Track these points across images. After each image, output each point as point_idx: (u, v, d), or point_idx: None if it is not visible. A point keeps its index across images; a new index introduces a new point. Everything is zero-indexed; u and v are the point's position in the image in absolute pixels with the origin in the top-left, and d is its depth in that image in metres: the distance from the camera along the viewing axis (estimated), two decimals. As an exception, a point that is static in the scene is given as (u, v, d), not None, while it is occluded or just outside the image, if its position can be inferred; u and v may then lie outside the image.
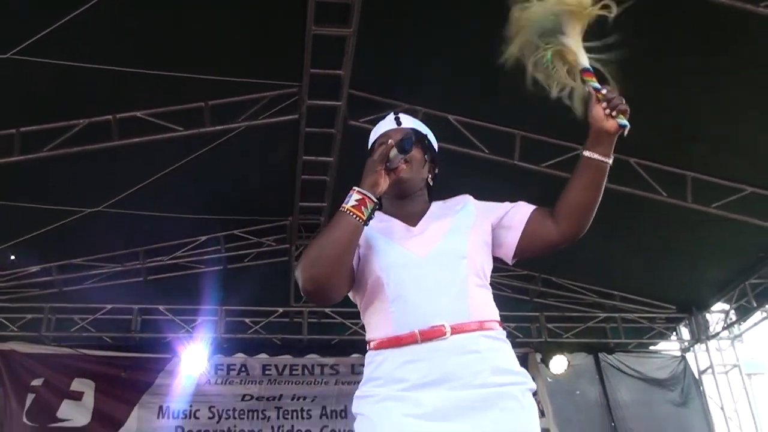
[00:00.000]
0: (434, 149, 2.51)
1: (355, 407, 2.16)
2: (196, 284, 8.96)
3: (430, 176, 2.46)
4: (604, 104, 2.12)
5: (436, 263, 2.20)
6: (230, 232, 8.85)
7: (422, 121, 7.22)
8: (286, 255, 8.97)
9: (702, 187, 7.02)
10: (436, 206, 2.44)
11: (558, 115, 7.01)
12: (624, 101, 2.12)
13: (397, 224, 2.35)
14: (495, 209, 2.38)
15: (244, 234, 8.93)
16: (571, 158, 6.86)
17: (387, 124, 2.48)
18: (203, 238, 8.82)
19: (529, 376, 2.21)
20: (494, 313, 2.23)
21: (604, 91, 2.13)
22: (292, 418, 8.72)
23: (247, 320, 9.15)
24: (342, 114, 6.68)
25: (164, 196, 7.42)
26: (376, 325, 2.21)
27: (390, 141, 2.20)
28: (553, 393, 9.15)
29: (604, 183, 2.23)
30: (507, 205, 2.39)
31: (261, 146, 7.32)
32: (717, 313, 9.42)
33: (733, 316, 9.18)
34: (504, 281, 9.05)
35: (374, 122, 7.02)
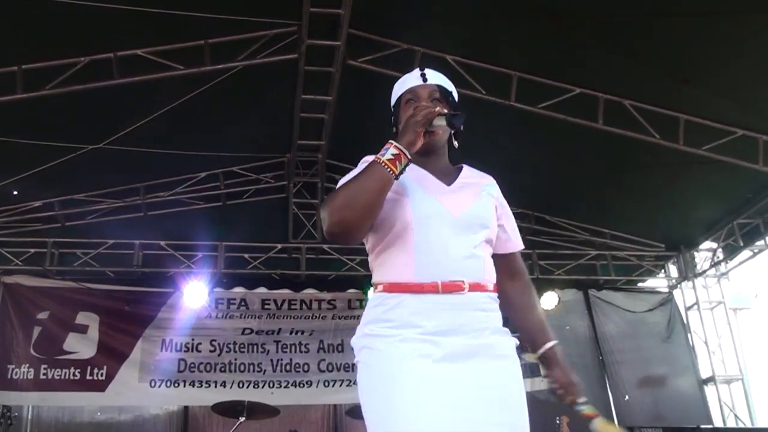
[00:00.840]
0: (459, 106, 2.53)
1: (366, 342, 2.24)
2: (196, 220, 8.98)
3: (451, 133, 2.50)
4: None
5: (465, 224, 2.31)
6: (228, 168, 8.87)
7: (420, 61, 7.19)
8: (284, 191, 9.04)
9: (694, 130, 7.04)
10: (467, 170, 2.53)
11: (555, 57, 7.04)
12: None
13: (431, 178, 2.41)
14: (504, 209, 2.52)
15: (242, 171, 8.96)
16: (567, 99, 6.93)
17: (413, 79, 2.51)
18: (202, 174, 8.85)
19: (509, 334, 2.35)
20: (495, 277, 2.36)
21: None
22: (290, 351, 8.86)
23: (246, 256, 9.22)
24: (341, 53, 6.69)
25: (164, 134, 7.45)
26: (396, 269, 2.28)
27: (438, 109, 2.26)
28: None
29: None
30: (510, 218, 2.55)
31: (260, 84, 7.30)
32: (705, 252, 9.54)
33: (720, 254, 9.29)
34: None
35: (373, 62, 7.07)
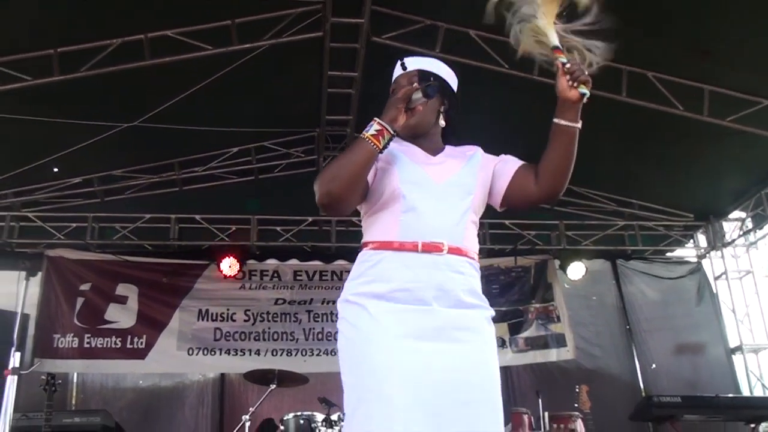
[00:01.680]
0: (449, 89, 2.66)
1: (344, 306, 2.42)
2: (230, 194, 9.17)
3: (442, 116, 2.63)
4: (568, 76, 2.32)
5: (447, 191, 2.46)
6: (260, 143, 8.98)
7: (444, 36, 7.26)
8: (314, 165, 9.14)
9: (718, 101, 7.03)
10: (450, 148, 2.65)
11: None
12: (585, 73, 2.34)
13: (418, 150, 2.57)
14: (494, 159, 2.63)
15: (273, 145, 9.05)
16: (590, 72, 6.93)
17: (396, 70, 2.63)
18: (234, 149, 8.95)
19: (487, 302, 2.47)
20: (477, 247, 2.50)
21: (568, 65, 2.33)
22: (322, 320, 9.03)
23: (278, 228, 9.35)
24: (365, 30, 6.75)
25: (196, 111, 7.56)
26: (382, 229, 2.44)
27: (415, 84, 2.41)
28: (569, 298, 9.38)
29: (576, 146, 2.44)
30: (501, 156, 2.64)
31: (288, 62, 7.39)
32: (733, 221, 9.50)
33: (749, 223, 9.25)
34: None
35: (397, 38, 7.11)
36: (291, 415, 6.62)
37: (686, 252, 10.11)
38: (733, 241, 9.51)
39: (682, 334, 9.46)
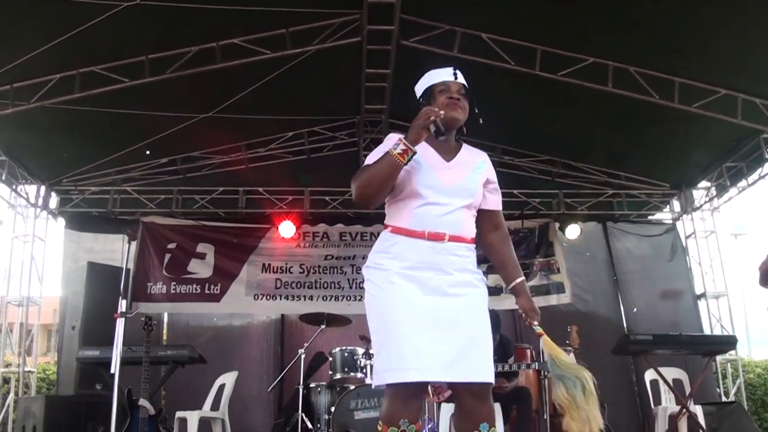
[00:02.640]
0: (471, 105, 2.83)
1: (368, 272, 2.69)
2: (287, 171, 9.28)
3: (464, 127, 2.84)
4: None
5: (454, 193, 2.68)
6: (311, 128, 9.09)
7: (460, 39, 7.34)
8: (356, 146, 9.23)
9: (686, 90, 7.07)
10: (465, 150, 2.85)
11: (572, 33, 7.09)
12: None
13: (434, 154, 2.75)
14: (492, 177, 2.88)
15: (321, 130, 9.14)
16: (582, 68, 7.00)
17: (445, 74, 2.80)
18: (290, 134, 9.05)
19: (481, 273, 2.72)
20: (473, 233, 2.73)
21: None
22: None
23: (326, 198, 9.50)
24: (395, 35, 6.87)
25: (259, 104, 7.75)
26: (399, 218, 2.67)
27: (433, 118, 2.56)
28: (567, 254, 9.42)
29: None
30: (495, 184, 2.89)
31: (332, 63, 7.51)
32: (701, 190, 9.51)
33: (713, 191, 9.27)
34: (531, 165, 9.18)
35: (421, 42, 7.21)
36: (338, 349, 6.91)
37: (663, 215, 10.12)
38: (701, 206, 9.51)
39: (658, 284, 9.49)
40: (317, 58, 7.09)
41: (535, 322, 2.78)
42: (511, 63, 7.10)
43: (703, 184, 9.43)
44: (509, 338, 5.92)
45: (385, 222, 2.75)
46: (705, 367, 6.87)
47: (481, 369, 2.54)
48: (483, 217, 2.83)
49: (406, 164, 2.54)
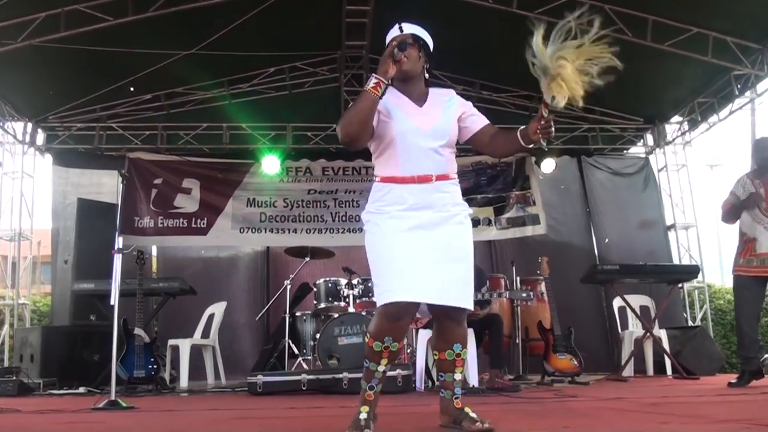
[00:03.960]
0: (429, 49, 2.99)
1: (367, 216, 2.93)
2: (269, 106, 9.40)
3: (425, 67, 2.99)
4: (542, 125, 2.73)
5: (431, 135, 2.89)
6: (293, 64, 9.14)
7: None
8: (337, 81, 9.34)
9: (659, 29, 7.30)
10: (433, 93, 3.02)
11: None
12: (551, 132, 2.75)
13: (408, 102, 2.94)
14: (466, 107, 3.02)
15: (303, 66, 9.21)
16: (557, 5, 7.17)
17: (394, 32, 2.96)
18: (272, 69, 9.15)
19: (467, 205, 2.98)
20: (455, 169, 2.99)
21: (545, 116, 2.73)
22: (345, 206, 9.39)
23: (309, 134, 9.66)
24: (375, -29, 7.03)
25: (240, 40, 7.85)
26: (387, 167, 2.91)
27: (393, 42, 2.82)
28: (542, 187, 9.67)
29: (520, 151, 3.01)
30: (472, 108, 3.03)
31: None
32: (674, 124, 9.75)
33: (686, 126, 9.55)
34: (510, 100, 9.35)
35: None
36: (321, 280, 7.27)
37: (636, 150, 10.35)
38: (673, 140, 9.78)
39: (630, 216, 9.80)
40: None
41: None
42: (488, 1, 7.27)
43: (676, 119, 9.66)
44: (482, 269, 6.30)
45: (374, 174, 2.99)
46: (668, 294, 7.32)
47: (462, 296, 2.85)
48: (480, 135, 3.01)
49: (381, 97, 2.76)
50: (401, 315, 2.79)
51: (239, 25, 7.46)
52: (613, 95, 9.24)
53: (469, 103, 3.06)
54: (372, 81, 2.75)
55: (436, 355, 3.04)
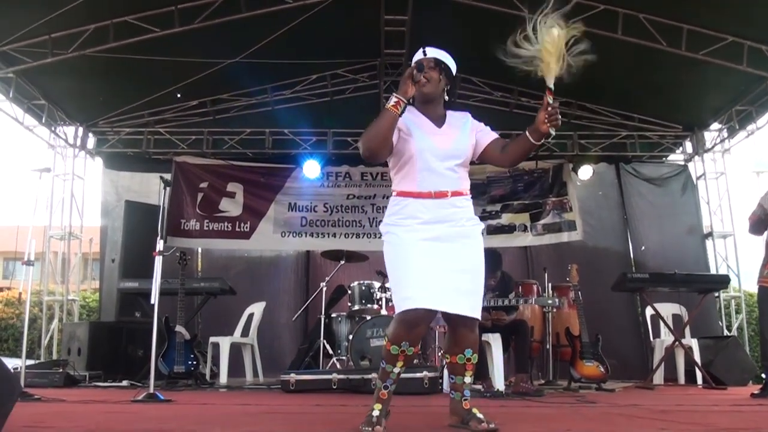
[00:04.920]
0: (450, 73, 3.15)
1: (386, 228, 3.11)
2: (311, 112, 9.68)
3: (445, 90, 3.17)
4: (548, 113, 2.82)
5: (448, 154, 3.07)
6: (334, 71, 9.41)
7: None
8: (377, 88, 9.50)
9: (694, 38, 7.32)
10: (450, 115, 3.18)
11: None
12: (559, 120, 2.85)
13: (427, 122, 3.11)
14: (477, 127, 3.18)
15: (344, 73, 9.46)
16: (593, 15, 7.18)
17: (419, 55, 3.12)
18: (314, 76, 9.41)
19: (478, 220, 3.15)
20: (468, 186, 3.15)
21: (550, 109, 2.81)
22: (382, 212, 9.20)
23: (349, 139, 9.83)
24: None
25: (284, 49, 8.10)
26: (404, 182, 3.09)
27: (413, 66, 3.01)
28: (579, 194, 9.74)
29: (531, 151, 3.07)
30: (482, 126, 3.19)
31: (353, 9, 7.82)
32: (713, 132, 9.70)
33: (725, 134, 9.46)
34: None
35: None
36: (356, 282, 7.51)
37: (676, 157, 10.32)
38: (713, 147, 9.72)
39: (667, 223, 9.77)
40: (337, 4, 7.37)
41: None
42: (523, 10, 7.36)
43: (715, 126, 9.62)
44: (510, 275, 6.43)
45: (392, 188, 3.18)
46: (699, 303, 7.31)
47: (472, 306, 3.02)
48: (492, 147, 3.16)
49: (401, 115, 2.93)
50: (418, 322, 2.97)
51: (281, 34, 7.70)
52: (652, 102, 9.37)
53: (482, 123, 3.23)
54: (392, 100, 2.93)
55: (447, 358, 3.23)
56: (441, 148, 3.05)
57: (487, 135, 3.19)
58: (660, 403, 4.77)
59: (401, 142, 3.05)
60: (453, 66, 3.19)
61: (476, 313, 3.04)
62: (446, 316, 3.10)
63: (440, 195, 3.02)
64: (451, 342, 3.18)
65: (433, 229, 3.00)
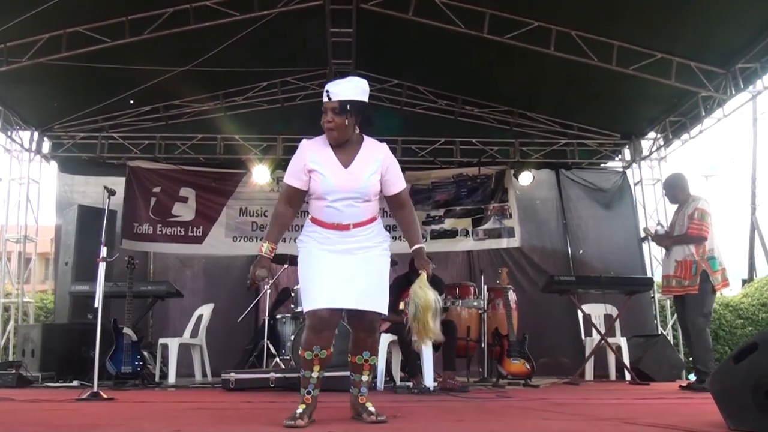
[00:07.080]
0: (360, 105, 3.34)
1: (299, 242, 3.52)
2: (262, 119, 10.01)
3: (356, 128, 3.39)
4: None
5: (354, 193, 3.38)
6: (284, 78, 9.75)
7: (415, 3, 7.95)
8: None
9: (624, 53, 7.76)
10: (365, 148, 3.43)
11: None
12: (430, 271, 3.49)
13: (335, 162, 3.37)
14: (389, 165, 3.47)
15: (294, 80, 9.80)
16: (526, 31, 7.66)
17: (325, 96, 3.34)
18: (264, 83, 9.77)
19: (385, 236, 3.56)
20: (374, 213, 3.51)
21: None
22: None
23: (298, 145, 10.16)
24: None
25: (235, 57, 8.42)
26: (314, 211, 3.47)
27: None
28: (520, 200, 10.19)
29: None
30: (393, 169, 3.49)
31: (300, 21, 8.16)
32: (649, 140, 10.18)
33: (660, 142, 9.94)
34: (491, 115, 9.89)
35: (378, 5, 7.87)
36: (299, 285, 7.83)
37: (614, 164, 10.77)
38: (650, 155, 10.19)
39: (605, 228, 10.29)
40: (285, 16, 7.78)
41: (423, 272, 3.47)
42: (461, 26, 7.79)
43: (651, 135, 10.11)
44: (440, 278, 6.82)
45: (309, 211, 3.54)
46: (624, 304, 7.78)
47: (377, 303, 3.40)
48: (390, 200, 3.58)
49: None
50: (324, 325, 3.35)
51: (233, 45, 7.97)
52: (590, 112, 9.82)
53: (395, 164, 3.53)
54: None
55: (349, 357, 3.61)
56: (345, 189, 3.35)
57: (391, 186, 3.51)
58: (569, 397, 5.22)
59: (313, 182, 3.39)
60: (364, 95, 3.38)
61: (380, 308, 3.42)
62: (349, 321, 3.50)
63: (342, 228, 3.38)
64: (352, 344, 3.57)
65: (337, 246, 3.38)
